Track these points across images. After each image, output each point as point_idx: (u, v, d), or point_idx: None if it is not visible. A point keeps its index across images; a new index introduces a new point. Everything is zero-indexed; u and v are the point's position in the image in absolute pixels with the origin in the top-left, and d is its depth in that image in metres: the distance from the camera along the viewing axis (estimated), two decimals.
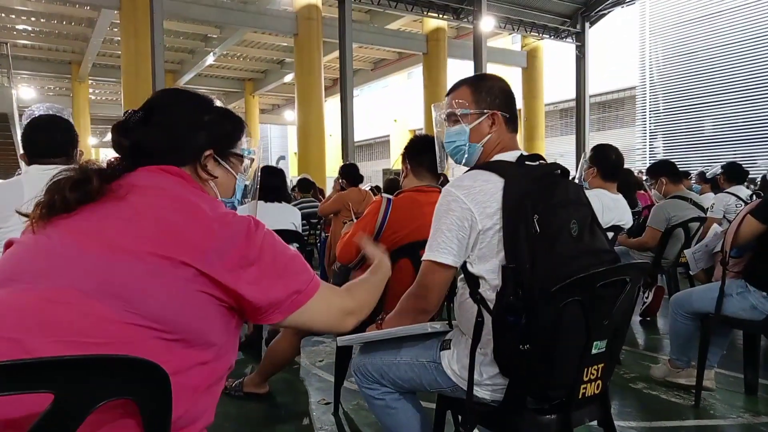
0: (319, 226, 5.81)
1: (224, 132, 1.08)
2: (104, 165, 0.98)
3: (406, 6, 13.72)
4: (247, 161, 1.13)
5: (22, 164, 2.15)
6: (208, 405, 0.91)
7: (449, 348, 1.51)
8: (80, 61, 18.98)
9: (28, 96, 19.67)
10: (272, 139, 34.07)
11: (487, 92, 1.53)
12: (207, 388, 0.90)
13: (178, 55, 19.70)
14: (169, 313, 0.83)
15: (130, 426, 0.76)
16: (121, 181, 0.93)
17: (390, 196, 2.33)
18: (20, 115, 10.15)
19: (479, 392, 1.42)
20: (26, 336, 0.76)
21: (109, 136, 1.04)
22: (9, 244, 0.94)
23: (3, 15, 16.05)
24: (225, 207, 0.97)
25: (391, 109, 26.36)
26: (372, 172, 19.57)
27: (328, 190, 8.64)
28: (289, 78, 20.05)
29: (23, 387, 0.66)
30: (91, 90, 21.90)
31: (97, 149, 28.01)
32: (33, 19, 16.42)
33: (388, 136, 26.68)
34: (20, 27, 16.97)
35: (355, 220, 2.88)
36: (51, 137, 1.98)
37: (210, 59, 18.97)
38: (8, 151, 15.06)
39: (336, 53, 12.95)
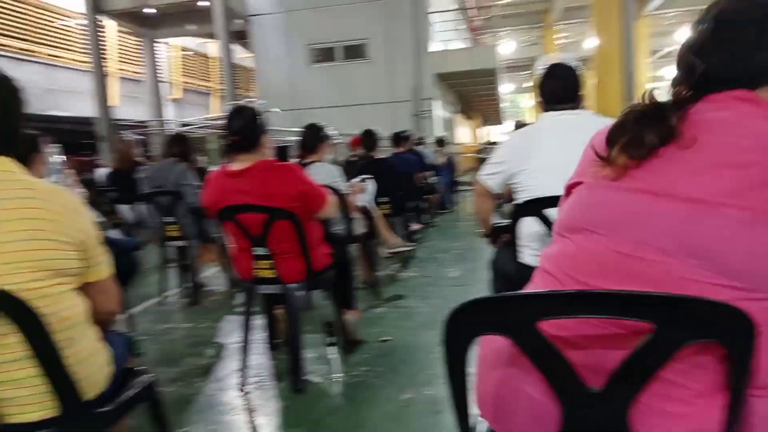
0: None
1: None
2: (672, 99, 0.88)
3: None
4: None
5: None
6: None
7: None
8: (549, 9, 20.24)
9: (507, 50, 22.12)
10: None
11: None
12: None
13: None
14: (751, 268, 0.76)
15: (712, 367, 0.79)
16: (686, 117, 0.84)
17: None
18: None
19: None
20: (602, 284, 0.83)
21: None
22: (573, 186, 0.97)
23: None
24: None
25: None
26: None
27: None
28: None
29: (632, 315, 0.80)
30: (555, 36, 23.09)
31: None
32: None
33: None
34: None
35: None
36: (560, 85, 2.13)
37: None
38: (493, 102, 17.41)
39: None
